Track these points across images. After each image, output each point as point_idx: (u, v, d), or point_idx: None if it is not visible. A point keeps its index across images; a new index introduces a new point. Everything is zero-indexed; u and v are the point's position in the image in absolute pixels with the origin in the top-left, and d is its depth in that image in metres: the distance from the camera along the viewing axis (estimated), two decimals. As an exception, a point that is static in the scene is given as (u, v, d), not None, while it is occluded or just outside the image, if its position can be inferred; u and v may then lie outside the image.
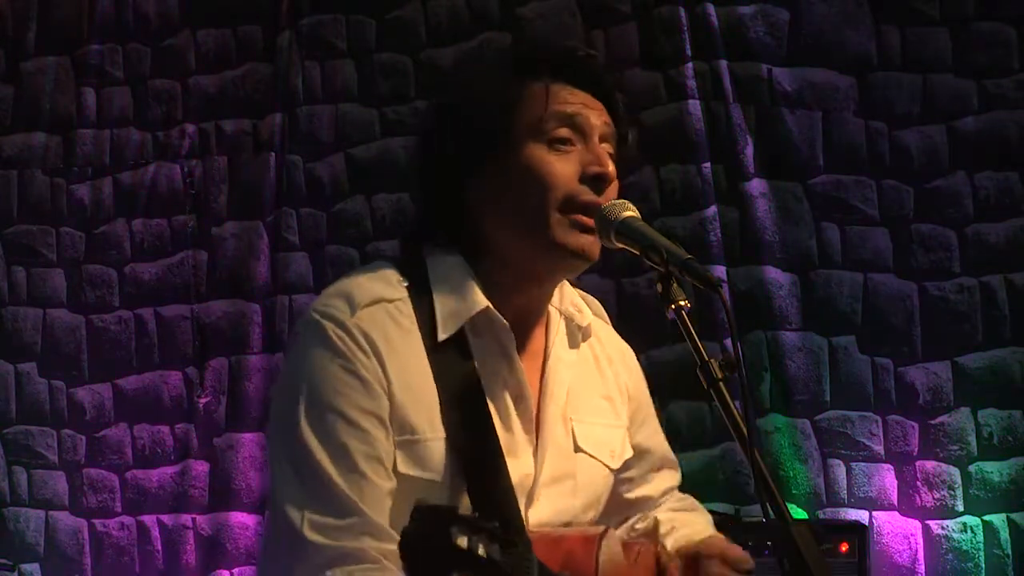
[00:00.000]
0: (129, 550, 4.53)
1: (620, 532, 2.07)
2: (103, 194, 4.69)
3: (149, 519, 4.52)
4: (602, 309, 2.10)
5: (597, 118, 1.87)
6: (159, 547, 4.51)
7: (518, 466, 1.85)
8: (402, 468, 1.77)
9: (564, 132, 1.84)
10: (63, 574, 4.57)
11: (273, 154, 4.54)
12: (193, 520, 4.48)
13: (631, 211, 1.84)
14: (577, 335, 1.99)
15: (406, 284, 1.85)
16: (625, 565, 1.88)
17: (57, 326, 4.68)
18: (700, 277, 1.71)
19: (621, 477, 2.06)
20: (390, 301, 1.82)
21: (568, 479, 1.91)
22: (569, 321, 1.98)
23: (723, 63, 4.11)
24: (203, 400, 4.52)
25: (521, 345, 1.90)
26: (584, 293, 2.07)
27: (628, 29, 4.22)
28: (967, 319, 3.99)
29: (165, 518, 4.52)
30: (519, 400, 1.88)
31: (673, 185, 4.14)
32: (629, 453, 2.05)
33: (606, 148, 1.87)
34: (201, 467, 4.50)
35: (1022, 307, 3.97)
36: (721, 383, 1.68)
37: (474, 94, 1.90)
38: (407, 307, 1.83)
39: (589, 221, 1.82)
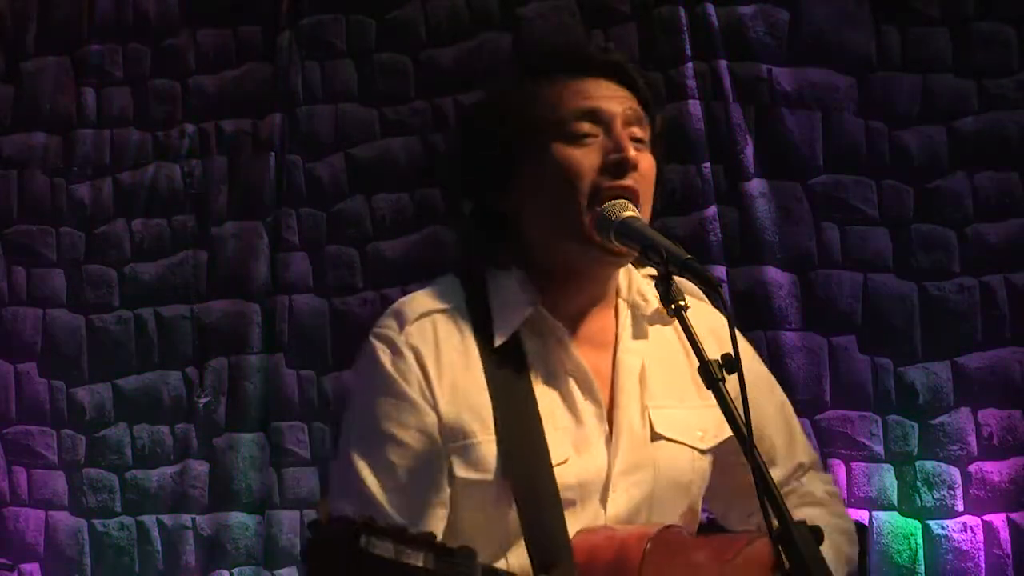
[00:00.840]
0: (129, 550, 4.52)
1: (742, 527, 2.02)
2: (103, 194, 4.69)
3: (149, 519, 4.52)
4: (692, 286, 2.07)
5: (619, 104, 1.86)
6: (159, 547, 4.51)
7: (590, 459, 1.85)
8: (459, 472, 1.80)
9: (585, 127, 1.85)
10: (63, 574, 4.57)
11: (273, 154, 4.53)
12: (193, 520, 4.48)
13: (631, 211, 1.84)
14: (643, 324, 1.97)
15: (465, 295, 1.88)
16: (684, 562, 1.82)
17: (57, 326, 4.68)
18: (700, 277, 1.71)
19: (738, 461, 1.91)
20: (442, 311, 1.86)
21: (646, 468, 1.89)
22: (635, 310, 1.97)
23: (723, 63, 4.11)
24: (203, 400, 4.52)
25: (586, 340, 1.90)
26: (648, 284, 1.99)
27: (628, 29, 4.22)
28: (967, 319, 3.98)
29: (165, 518, 4.51)
30: (587, 392, 1.88)
31: (673, 185, 4.14)
32: (728, 432, 2.00)
33: (633, 132, 1.87)
34: (201, 467, 4.50)
35: (1022, 307, 3.97)
36: (721, 383, 1.68)
37: (492, 110, 1.92)
38: (463, 315, 1.86)
39: (623, 190, 1.83)
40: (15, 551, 4.60)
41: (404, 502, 1.75)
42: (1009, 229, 3.99)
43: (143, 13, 4.72)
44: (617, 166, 1.83)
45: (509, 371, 1.84)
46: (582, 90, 1.86)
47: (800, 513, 1.97)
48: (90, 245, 4.69)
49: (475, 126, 1.95)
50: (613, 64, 1.90)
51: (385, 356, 1.82)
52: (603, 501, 1.85)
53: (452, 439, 1.80)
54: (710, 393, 1.92)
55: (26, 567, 4.59)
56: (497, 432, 1.80)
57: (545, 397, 1.86)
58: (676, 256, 1.73)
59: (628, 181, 1.83)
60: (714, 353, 1.98)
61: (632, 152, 1.83)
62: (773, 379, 2.13)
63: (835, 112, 4.09)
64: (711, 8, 4.12)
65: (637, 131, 1.87)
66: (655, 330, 1.98)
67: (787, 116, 4.09)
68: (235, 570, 4.42)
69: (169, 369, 4.58)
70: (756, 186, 4.09)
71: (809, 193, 4.09)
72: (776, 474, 2.03)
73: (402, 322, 1.84)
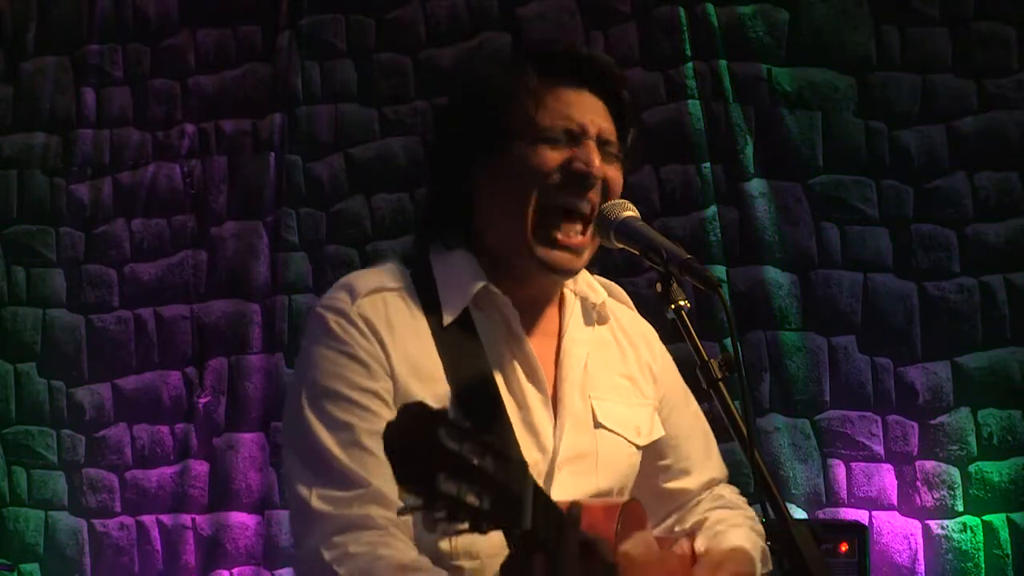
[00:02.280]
0: (129, 550, 4.53)
1: (659, 532, 2.05)
2: (103, 194, 4.69)
3: (149, 519, 4.52)
4: (625, 295, 2.11)
5: (595, 121, 1.87)
6: (159, 547, 4.51)
7: (537, 443, 1.86)
8: None
9: (559, 134, 1.85)
10: (63, 574, 4.57)
11: (273, 154, 4.54)
12: (193, 520, 4.48)
13: (631, 211, 1.85)
14: (592, 313, 2.00)
15: (409, 274, 1.89)
16: (646, 535, 1.87)
17: (57, 326, 4.68)
18: (700, 277, 1.71)
19: (657, 465, 2.05)
20: (391, 290, 1.86)
21: (589, 456, 1.91)
22: (584, 300, 1.99)
23: (723, 63, 4.11)
24: (203, 400, 4.52)
25: (533, 326, 1.92)
26: (607, 280, 2.07)
27: (628, 29, 4.22)
28: (967, 319, 3.99)
29: (165, 518, 4.52)
30: (532, 377, 1.89)
31: (673, 185, 4.14)
32: (660, 432, 2.03)
33: (606, 148, 1.88)
34: (201, 467, 4.50)
35: (1022, 307, 3.97)
36: (721, 383, 1.69)
37: (477, 92, 1.92)
38: (411, 295, 1.87)
39: (569, 238, 1.84)
40: (15, 551, 4.61)
41: (361, 459, 1.74)
42: (1009, 229, 4.00)
43: (143, 13, 4.72)
44: (582, 177, 1.84)
45: (462, 348, 1.85)
46: (565, 101, 1.86)
47: (715, 514, 2.05)
48: (90, 245, 4.69)
49: (457, 103, 1.95)
50: (601, 77, 1.90)
51: (337, 325, 1.81)
52: (547, 486, 1.85)
53: None
54: (645, 393, 2.02)
55: (26, 567, 4.59)
56: (454, 409, 1.79)
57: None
58: (676, 256, 1.74)
59: (583, 204, 1.84)
60: (644, 358, 2.05)
61: (598, 168, 1.84)
62: (689, 391, 2.15)
63: (835, 112, 4.09)
64: (711, 8, 4.12)
65: (610, 147, 1.89)
66: (594, 328, 2.00)
67: (787, 116, 4.10)
68: (235, 570, 4.42)
69: (169, 369, 4.58)
70: (756, 186, 4.09)
71: (809, 193, 4.09)
72: (691, 483, 2.10)
73: (354, 295, 1.83)
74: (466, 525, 1.32)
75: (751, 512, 2.12)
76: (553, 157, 1.84)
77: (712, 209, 4.09)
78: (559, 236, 1.84)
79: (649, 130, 4.11)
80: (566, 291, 1.98)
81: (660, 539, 1.97)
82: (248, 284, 4.52)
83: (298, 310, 4.43)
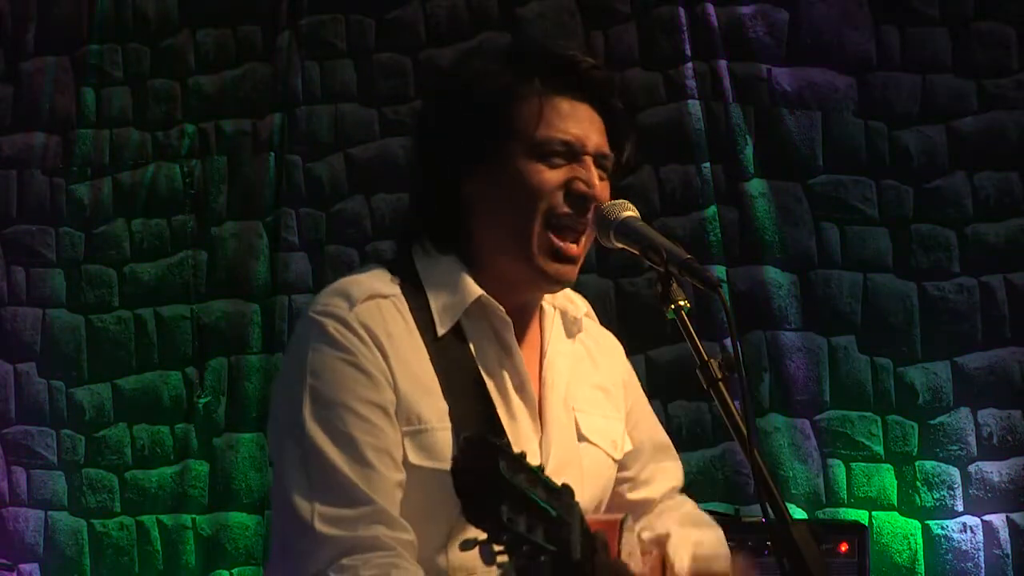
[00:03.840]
0: (129, 550, 4.52)
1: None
2: (102, 194, 4.69)
3: (149, 519, 4.52)
4: (589, 306, 2.10)
5: (592, 136, 1.86)
6: (159, 547, 4.51)
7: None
8: (412, 459, 1.77)
9: (557, 148, 1.84)
10: (63, 574, 4.57)
11: (273, 154, 4.54)
12: (193, 520, 4.48)
13: (631, 211, 1.84)
14: (572, 327, 2.00)
15: (398, 282, 1.85)
16: (640, 556, 1.87)
17: (56, 326, 4.67)
18: (700, 277, 1.71)
19: (621, 476, 2.05)
20: (385, 297, 1.83)
21: (574, 468, 1.90)
22: (564, 314, 1.99)
23: (723, 63, 4.11)
24: (203, 400, 4.52)
25: (519, 338, 1.90)
26: (575, 293, 2.07)
27: (628, 29, 4.22)
28: (967, 319, 3.99)
29: (165, 518, 4.51)
30: (521, 390, 1.88)
31: (673, 185, 4.14)
32: (629, 446, 2.04)
33: (602, 162, 1.87)
34: (201, 467, 4.50)
35: (1022, 307, 3.97)
36: (721, 383, 1.69)
37: (473, 95, 1.88)
38: (402, 303, 1.83)
39: (569, 249, 1.84)
40: (15, 551, 4.60)
41: (366, 476, 1.71)
42: (1009, 229, 4.00)
43: (143, 13, 4.72)
44: (582, 198, 1.83)
45: (455, 360, 1.82)
46: (563, 114, 1.84)
47: (687, 531, 2.02)
48: (90, 245, 4.69)
49: (451, 104, 1.91)
50: (597, 89, 1.88)
51: (338, 332, 1.76)
52: None
53: (406, 423, 1.77)
54: (617, 406, 2.03)
55: (26, 567, 4.59)
56: (453, 421, 1.77)
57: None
58: (676, 256, 1.73)
59: (586, 223, 1.84)
60: (614, 370, 2.06)
61: (598, 189, 1.84)
62: (647, 402, 2.15)
63: (835, 112, 4.09)
64: (711, 8, 4.12)
65: (605, 162, 1.88)
66: (573, 341, 2.00)
67: (787, 116, 4.10)
68: (235, 570, 4.42)
69: (169, 369, 4.58)
70: (756, 186, 4.09)
71: (809, 193, 4.09)
72: (653, 492, 2.10)
73: (351, 301, 1.79)
74: (525, 555, 1.33)
75: (720, 530, 2.11)
76: (554, 177, 1.83)
77: (712, 209, 4.09)
78: (560, 247, 1.84)
79: (649, 130, 4.11)
80: (545, 303, 1.97)
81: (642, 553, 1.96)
82: (248, 284, 4.52)
83: (298, 310, 4.42)
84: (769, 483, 1.64)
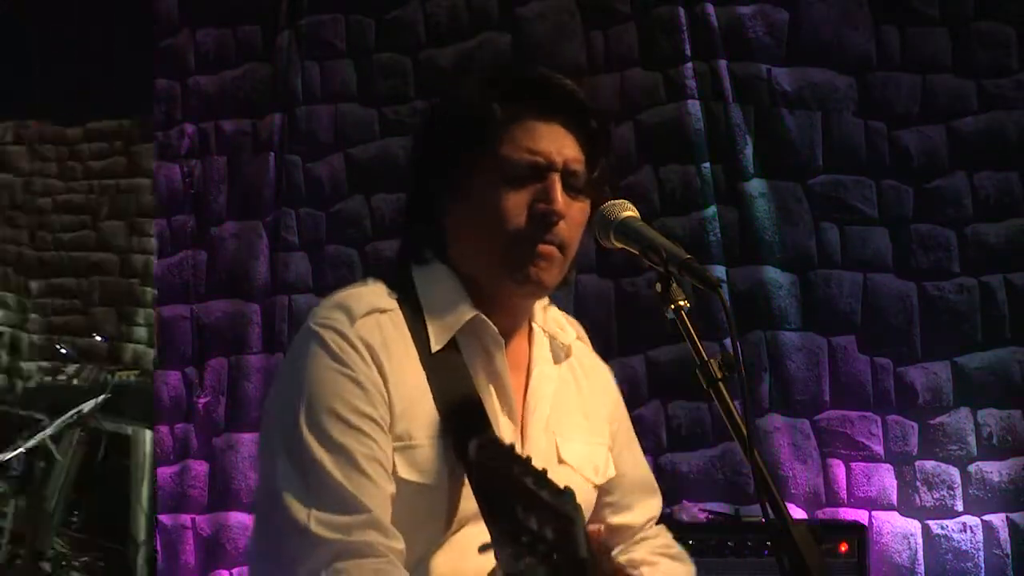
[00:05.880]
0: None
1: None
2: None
3: (149, 519, 4.53)
4: (583, 332, 2.12)
5: (562, 152, 1.86)
6: (158, 547, 4.51)
7: None
8: (401, 473, 1.78)
9: (524, 171, 1.85)
10: (63, 574, 4.58)
11: (272, 154, 4.54)
12: (193, 520, 4.48)
13: (630, 211, 1.84)
14: (560, 352, 2.01)
15: (396, 297, 1.88)
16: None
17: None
18: (700, 277, 1.71)
19: (604, 501, 2.07)
20: (384, 311, 1.85)
21: None
22: (552, 339, 2.01)
23: (723, 63, 4.11)
24: (203, 400, 4.52)
25: (508, 356, 1.92)
26: (569, 317, 2.09)
27: (628, 29, 4.22)
28: (967, 319, 3.99)
29: (165, 518, 4.52)
30: (506, 409, 1.90)
31: (673, 185, 4.14)
32: (612, 472, 2.05)
33: (571, 181, 1.87)
34: (200, 467, 4.50)
35: (1022, 307, 3.97)
36: (721, 383, 1.68)
37: (448, 118, 1.92)
38: (399, 318, 1.86)
39: (544, 250, 1.84)
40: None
41: (360, 484, 1.73)
42: (1009, 229, 4.00)
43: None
44: (544, 216, 1.84)
45: (450, 377, 1.84)
46: (532, 133, 1.85)
47: (664, 566, 2.06)
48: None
49: (430, 124, 1.96)
50: (569, 105, 1.89)
51: (336, 346, 1.79)
52: None
53: (397, 438, 1.79)
54: (601, 432, 2.04)
55: (26, 567, 4.60)
56: (443, 438, 1.79)
57: None
58: (676, 256, 1.73)
59: (552, 241, 1.84)
60: (601, 397, 2.07)
61: (560, 205, 1.84)
62: (632, 428, 2.17)
63: (835, 112, 4.09)
64: (711, 8, 4.12)
65: (575, 180, 1.88)
66: (560, 366, 2.02)
67: (787, 116, 4.10)
68: (235, 570, 4.42)
69: (169, 369, 4.58)
70: (756, 186, 4.09)
71: (809, 193, 4.09)
72: (634, 519, 2.11)
73: (352, 316, 1.82)
74: (538, 555, 1.37)
75: (692, 566, 2.14)
76: (517, 201, 1.84)
77: (712, 209, 4.09)
78: (531, 271, 1.85)
79: (649, 130, 4.12)
80: (534, 325, 1.99)
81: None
82: (248, 284, 4.52)
83: (298, 310, 4.43)
84: (769, 483, 1.64)
